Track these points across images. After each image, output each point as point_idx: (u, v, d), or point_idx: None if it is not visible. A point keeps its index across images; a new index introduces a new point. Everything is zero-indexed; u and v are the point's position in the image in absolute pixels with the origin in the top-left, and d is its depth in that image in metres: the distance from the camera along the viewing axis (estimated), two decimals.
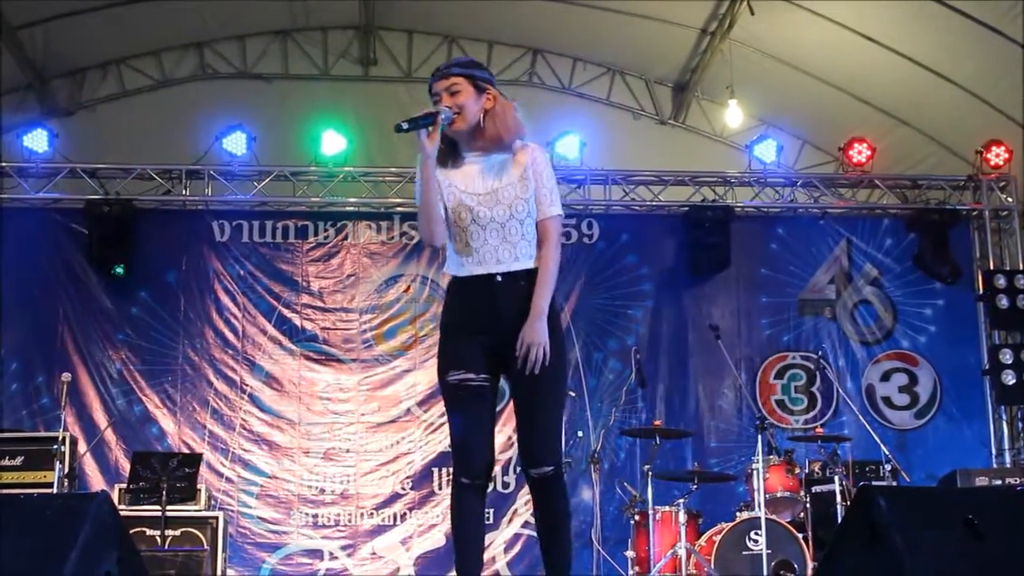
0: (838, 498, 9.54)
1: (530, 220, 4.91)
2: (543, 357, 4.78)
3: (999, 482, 10.31)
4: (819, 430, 10.47)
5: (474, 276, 4.87)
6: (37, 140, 11.82)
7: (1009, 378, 11.99)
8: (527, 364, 4.76)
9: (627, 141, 13.14)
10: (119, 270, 11.77)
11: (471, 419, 4.88)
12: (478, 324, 4.87)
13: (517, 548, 11.60)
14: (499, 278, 4.85)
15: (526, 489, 11.37)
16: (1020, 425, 12.37)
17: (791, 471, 9.83)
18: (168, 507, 9.58)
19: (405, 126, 4.75)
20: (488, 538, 11.36)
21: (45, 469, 9.88)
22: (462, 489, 4.88)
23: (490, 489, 5.04)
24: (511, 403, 4.92)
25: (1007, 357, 12.05)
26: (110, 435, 11.44)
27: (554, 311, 4.91)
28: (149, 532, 9.63)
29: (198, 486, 10.18)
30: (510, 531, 11.62)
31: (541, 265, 4.89)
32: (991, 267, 12.53)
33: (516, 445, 5.02)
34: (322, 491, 11.74)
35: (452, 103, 4.87)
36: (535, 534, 5.21)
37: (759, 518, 9.02)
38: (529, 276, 4.88)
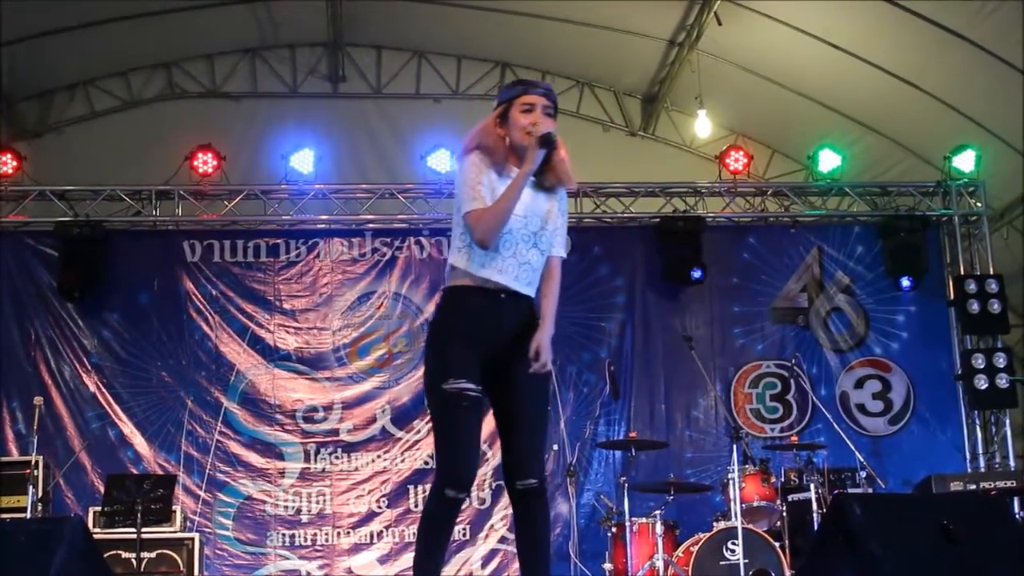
0: (814, 506, 9.54)
1: (545, 254, 5.00)
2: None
3: (974, 487, 10.34)
4: (794, 438, 10.48)
5: (487, 282, 4.85)
6: (5, 163, 11.76)
7: (982, 383, 12.05)
8: (534, 368, 4.83)
9: (597, 153, 13.14)
10: (76, 294, 11.69)
11: (467, 431, 4.84)
12: (480, 333, 4.85)
13: (494, 564, 11.54)
14: (504, 295, 4.88)
15: (502, 504, 11.48)
16: (994, 429, 12.41)
17: (767, 480, 9.85)
18: (143, 529, 9.52)
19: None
20: (465, 554, 11.35)
21: (19, 493, 9.82)
22: (446, 502, 4.81)
23: (466, 505, 5.01)
24: (491, 418, 4.93)
25: (979, 362, 12.11)
26: (85, 458, 11.33)
27: None
28: (124, 555, 9.56)
29: (173, 507, 10.11)
30: (487, 547, 11.55)
31: (552, 294, 5.07)
32: (961, 272, 12.59)
33: (500, 458, 5.00)
34: (299, 511, 11.68)
35: (550, 127, 4.99)
36: (512, 549, 5.19)
37: (736, 528, 9.03)
38: (530, 303, 4.98)
